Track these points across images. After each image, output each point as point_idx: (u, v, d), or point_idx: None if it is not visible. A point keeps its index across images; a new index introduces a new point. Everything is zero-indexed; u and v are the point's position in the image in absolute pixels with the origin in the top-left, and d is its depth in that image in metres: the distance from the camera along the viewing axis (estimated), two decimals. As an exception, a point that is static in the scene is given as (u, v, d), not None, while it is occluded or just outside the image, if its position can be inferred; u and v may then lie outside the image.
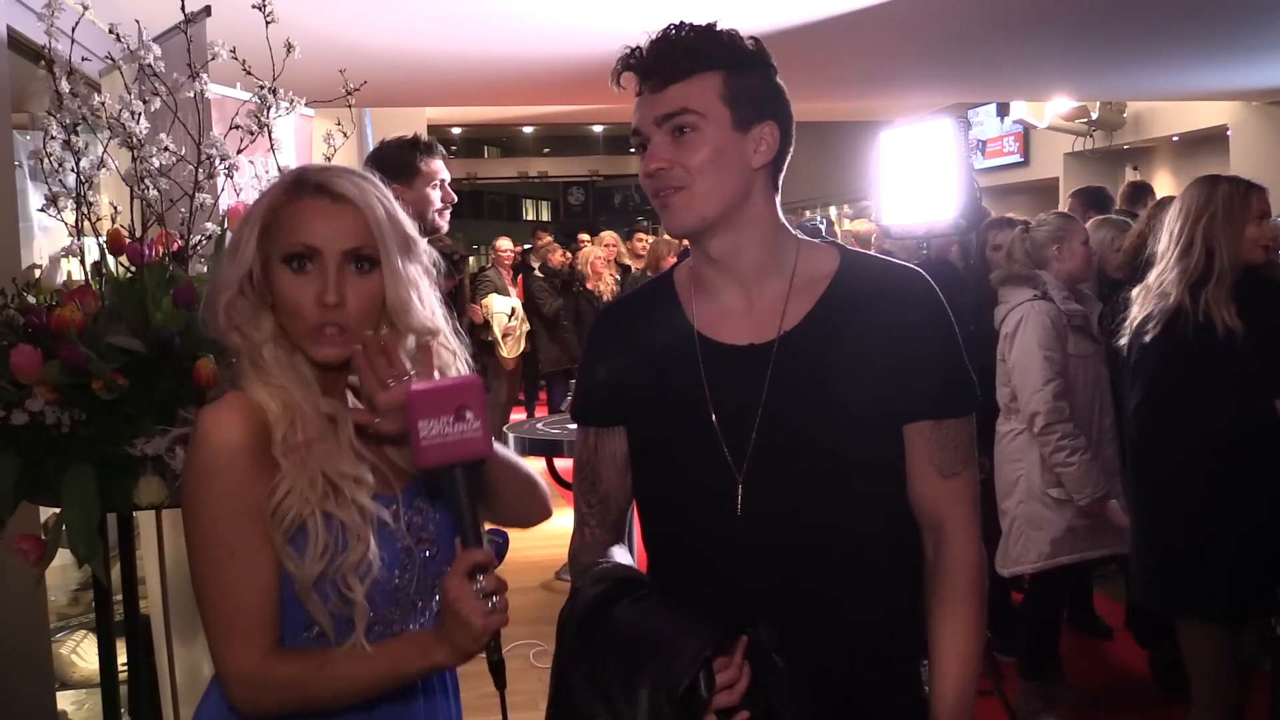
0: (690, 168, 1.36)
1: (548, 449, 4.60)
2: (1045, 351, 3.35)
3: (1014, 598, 4.15)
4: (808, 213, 10.98)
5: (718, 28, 1.39)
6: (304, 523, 1.27)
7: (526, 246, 10.32)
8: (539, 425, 4.94)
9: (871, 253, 1.53)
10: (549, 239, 9.47)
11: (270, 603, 1.28)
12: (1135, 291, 2.88)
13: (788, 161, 1.44)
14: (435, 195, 3.08)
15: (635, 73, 1.39)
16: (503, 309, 8.05)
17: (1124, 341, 2.89)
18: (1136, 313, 2.82)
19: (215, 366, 1.75)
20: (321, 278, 1.30)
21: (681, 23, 1.39)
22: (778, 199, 1.45)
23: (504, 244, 8.79)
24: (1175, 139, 10.40)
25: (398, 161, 3.06)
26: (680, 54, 1.36)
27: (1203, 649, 2.71)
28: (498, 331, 8.02)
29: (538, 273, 8.58)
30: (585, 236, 9.60)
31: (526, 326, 8.18)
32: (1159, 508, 2.79)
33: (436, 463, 1.20)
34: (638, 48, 1.38)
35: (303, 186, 1.32)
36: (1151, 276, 2.80)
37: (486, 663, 1.27)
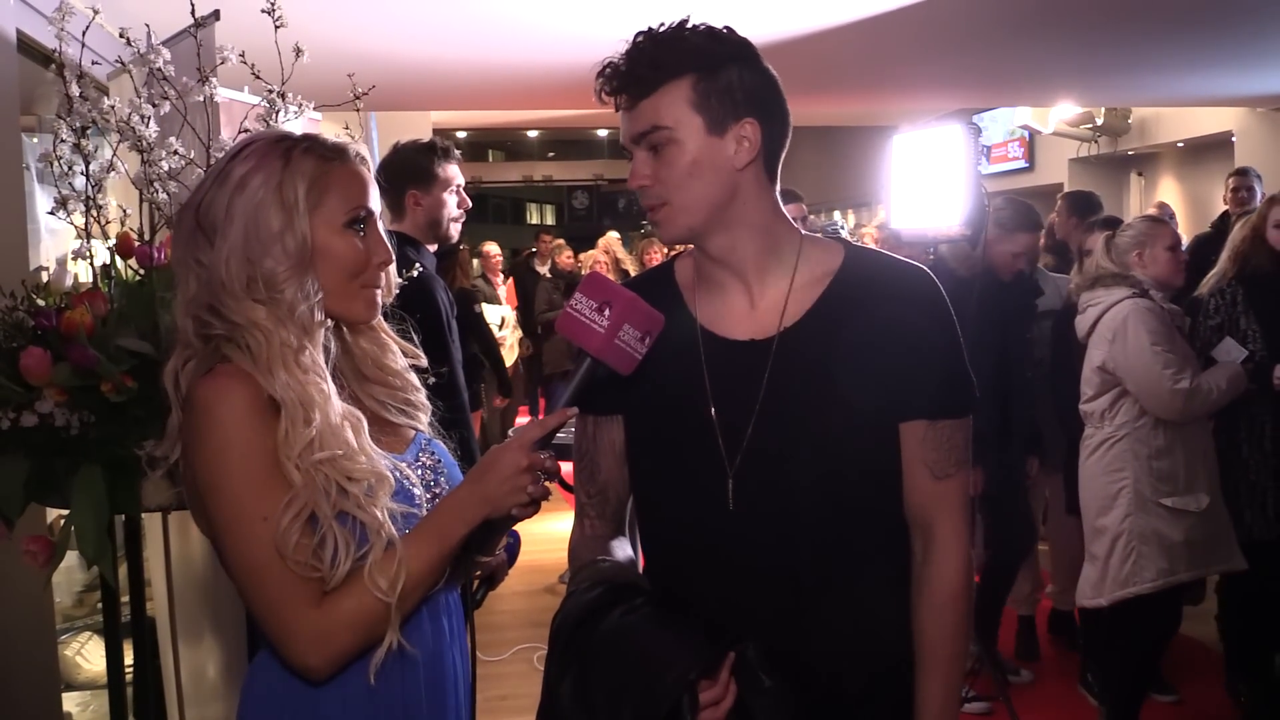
0: (668, 183, 1.36)
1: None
2: (1158, 348, 3.09)
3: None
4: (819, 217, 10.96)
5: (686, 26, 1.37)
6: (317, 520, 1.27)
7: (532, 250, 10.29)
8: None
9: (877, 249, 1.52)
10: (560, 241, 9.44)
11: (310, 550, 1.26)
12: None
13: (784, 152, 1.42)
14: (452, 201, 3.08)
15: (607, 93, 1.39)
16: (492, 320, 7.74)
17: None
18: None
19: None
20: (374, 238, 1.39)
21: (649, 30, 1.37)
22: (776, 189, 1.43)
23: (492, 248, 8.67)
24: (1180, 145, 10.39)
25: (416, 166, 3.05)
26: (644, 68, 1.35)
27: None
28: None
29: (546, 274, 8.56)
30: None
31: (519, 333, 8.04)
32: None
33: (561, 330, 1.33)
34: (609, 63, 1.37)
35: (340, 152, 1.38)
36: None
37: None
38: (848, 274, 1.42)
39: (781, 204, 1.46)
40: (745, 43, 1.39)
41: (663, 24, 1.37)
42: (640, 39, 1.36)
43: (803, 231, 1.47)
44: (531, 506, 1.30)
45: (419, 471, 1.43)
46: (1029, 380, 3.81)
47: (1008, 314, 3.74)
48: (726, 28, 1.39)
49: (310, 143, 1.38)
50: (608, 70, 1.37)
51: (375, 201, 1.41)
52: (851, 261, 1.44)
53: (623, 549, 1.51)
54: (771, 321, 1.41)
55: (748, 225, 1.40)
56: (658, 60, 1.34)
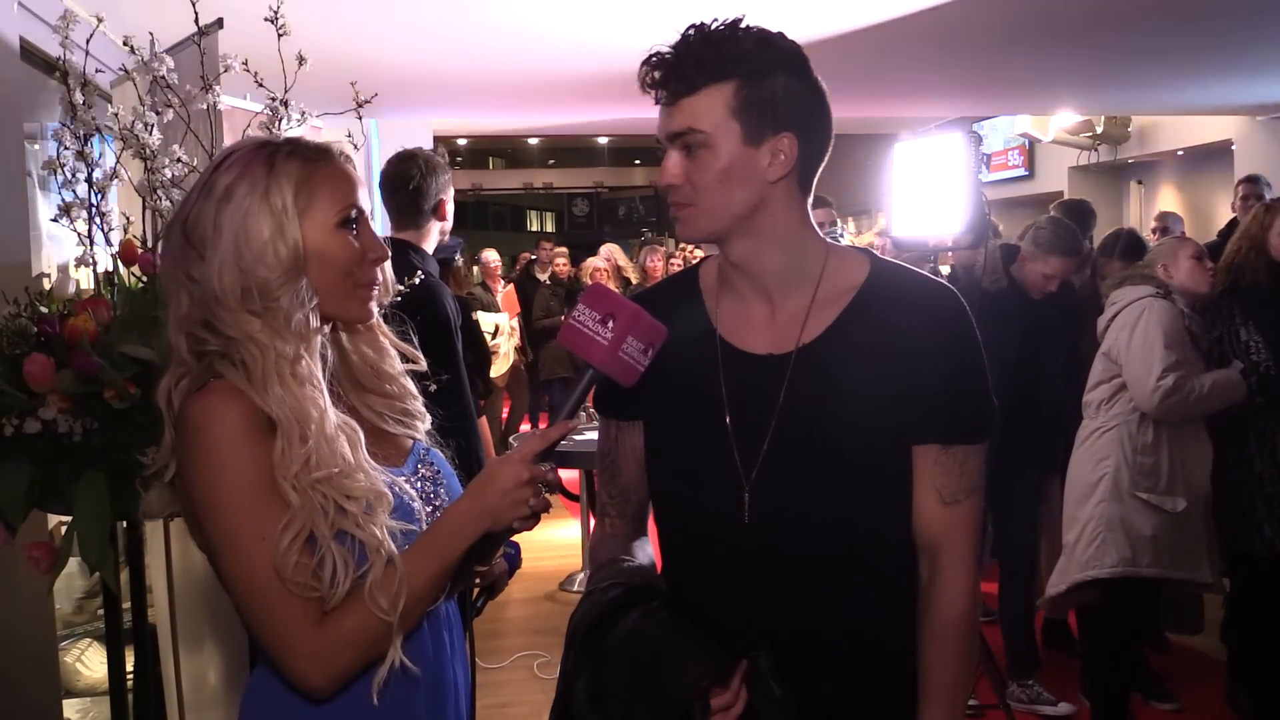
0: (698, 186, 1.35)
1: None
2: (1161, 344, 3.11)
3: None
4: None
5: (740, 26, 1.34)
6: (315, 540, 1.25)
7: (532, 257, 10.31)
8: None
9: (904, 265, 1.50)
10: (561, 248, 9.45)
11: (310, 570, 1.24)
12: None
13: (822, 165, 1.40)
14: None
15: (648, 84, 1.37)
16: (486, 328, 7.84)
17: None
18: None
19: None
20: (367, 235, 1.37)
21: (701, 25, 1.34)
22: (808, 201, 1.41)
23: (490, 255, 8.68)
24: (1180, 153, 10.41)
25: (444, 171, 3.05)
26: (690, 67, 1.32)
27: None
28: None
29: (546, 281, 8.57)
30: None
31: (514, 341, 8.01)
32: None
33: (564, 341, 1.30)
34: (655, 54, 1.35)
35: (324, 153, 1.36)
36: None
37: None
38: (871, 290, 1.40)
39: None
40: (796, 51, 1.36)
41: (715, 20, 1.34)
42: (690, 33, 1.33)
43: (830, 243, 1.46)
44: (532, 519, 1.30)
45: (418, 484, 1.42)
46: (1060, 398, 3.79)
47: (1034, 331, 3.74)
48: (780, 33, 1.36)
49: (293, 146, 1.35)
50: (653, 59, 1.34)
51: (365, 199, 1.39)
52: (876, 277, 1.42)
53: (644, 550, 1.51)
54: (790, 336, 1.39)
55: (772, 236, 1.38)
56: (704, 60, 1.32)
